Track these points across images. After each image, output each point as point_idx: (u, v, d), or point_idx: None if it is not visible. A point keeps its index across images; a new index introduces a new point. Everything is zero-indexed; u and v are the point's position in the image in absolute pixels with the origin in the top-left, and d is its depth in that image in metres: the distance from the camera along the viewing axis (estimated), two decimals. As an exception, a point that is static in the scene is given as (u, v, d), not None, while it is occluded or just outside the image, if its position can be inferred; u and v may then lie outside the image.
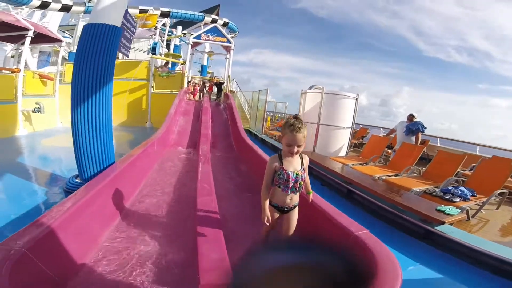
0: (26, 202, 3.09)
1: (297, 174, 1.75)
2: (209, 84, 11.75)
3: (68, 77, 9.96)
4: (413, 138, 6.21)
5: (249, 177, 4.07)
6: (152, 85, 11.95)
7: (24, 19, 8.10)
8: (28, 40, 7.91)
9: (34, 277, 1.49)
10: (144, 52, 15.65)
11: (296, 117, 1.73)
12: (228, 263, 1.56)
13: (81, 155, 3.22)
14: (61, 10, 10.69)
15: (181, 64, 13.47)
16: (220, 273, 1.47)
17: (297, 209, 1.88)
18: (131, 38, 4.11)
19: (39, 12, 10.66)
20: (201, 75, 16.60)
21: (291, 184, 1.74)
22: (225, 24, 15.09)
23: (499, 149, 7.43)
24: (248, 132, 8.63)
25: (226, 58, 15.18)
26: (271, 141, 7.25)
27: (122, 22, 3.47)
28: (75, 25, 12.19)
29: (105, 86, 3.28)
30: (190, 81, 11.65)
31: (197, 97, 10.47)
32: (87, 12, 11.40)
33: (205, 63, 17.68)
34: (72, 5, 10.90)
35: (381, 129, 10.98)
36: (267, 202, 1.78)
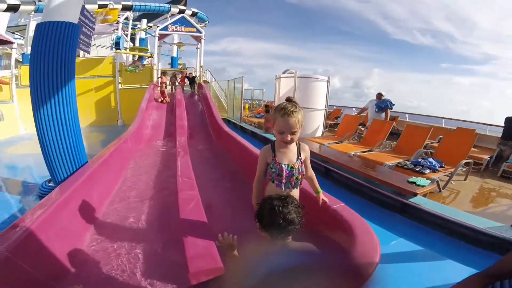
0: (0, 212, 2.90)
1: (291, 167, 1.53)
2: (180, 76, 11.42)
3: (25, 80, 9.25)
4: (383, 114, 6.52)
5: (230, 165, 4.07)
6: (120, 81, 11.42)
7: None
8: (-29, 45, 7.19)
9: (20, 280, 1.45)
10: (107, 48, 14.84)
11: (289, 99, 1.51)
12: (215, 249, 1.57)
13: (50, 158, 3.06)
14: (7, 10, 9.65)
15: (148, 57, 12.99)
16: (208, 259, 1.48)
17: None
18: (91, 34, 3.90)
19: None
20: (171, 67, 16.04)
21: (284, 179, 1.53)
22: (193, 14, 14.58)
23: (462, 121, 7.92)
24: (227, 121, 8.54)
25: (197, 48, 14.75)
26: (250, 128, 7.24)
27: (80, 18, 3.29)
28: (26, 25, 11.22)
29: (67, 85, 3.10)
30: (164, 73, 10.03)
31: (167, 99, 8.97)
32: (38, 11, 10.41)
33: (175, 55, 17.10)
34: (20, 5, 9.86)
35: (354, 109, 11.36)
36: (256, 195, 1.62)
